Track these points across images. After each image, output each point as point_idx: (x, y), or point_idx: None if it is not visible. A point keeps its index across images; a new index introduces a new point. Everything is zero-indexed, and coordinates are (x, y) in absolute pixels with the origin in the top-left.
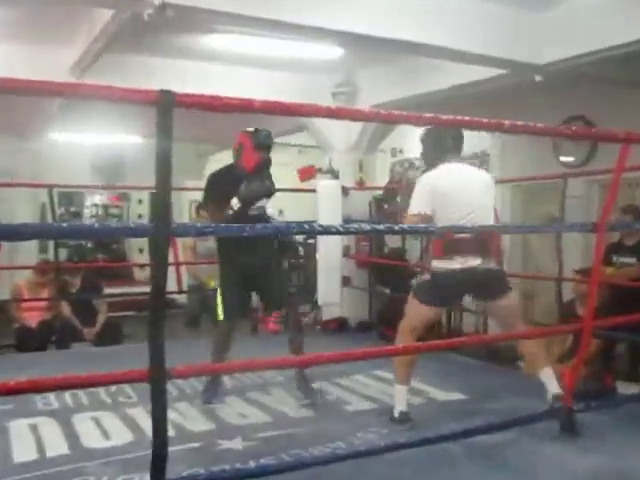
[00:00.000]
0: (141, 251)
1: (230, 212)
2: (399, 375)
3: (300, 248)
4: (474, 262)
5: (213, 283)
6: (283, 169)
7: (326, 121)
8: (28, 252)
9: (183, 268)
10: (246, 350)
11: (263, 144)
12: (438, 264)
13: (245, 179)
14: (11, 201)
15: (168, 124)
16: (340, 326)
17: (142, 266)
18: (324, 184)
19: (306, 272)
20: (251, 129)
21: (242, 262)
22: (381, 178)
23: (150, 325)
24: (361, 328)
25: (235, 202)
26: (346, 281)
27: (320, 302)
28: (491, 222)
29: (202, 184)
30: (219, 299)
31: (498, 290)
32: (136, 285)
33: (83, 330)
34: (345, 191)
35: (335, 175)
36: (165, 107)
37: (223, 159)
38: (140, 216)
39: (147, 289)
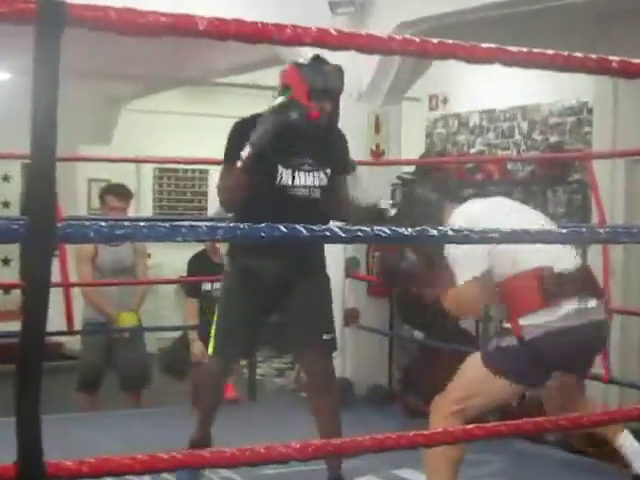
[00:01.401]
0: (5, 262)
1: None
2: None
3: None
4: (591, 306)
5: (128, 319)
6: None
7: (320, 52)
8: None
9: (76, 294)
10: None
11: (321, 87)
12: (534, 321)
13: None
14: None
15: (53, 51)
16: (340, 393)
17: (6, 288)
18: None
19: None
20: (304, 60)
21: (262, 270)
22: (412, 145)
23: (18, 388)
24: (375, 397)
25: (245, 152)
26: (350, 317)
27: None
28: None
29: (111, 151)
30: (214, 325)
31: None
32: None
33: None
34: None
35: None
36: (49, 24)
37: (150, 109)
38: (6, 204)
39: (15, 326)
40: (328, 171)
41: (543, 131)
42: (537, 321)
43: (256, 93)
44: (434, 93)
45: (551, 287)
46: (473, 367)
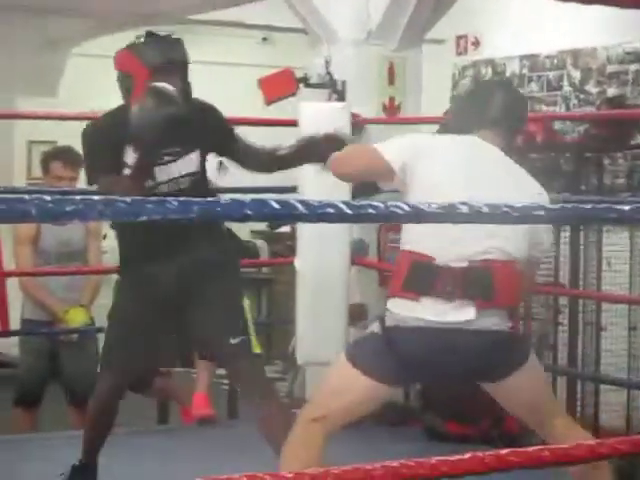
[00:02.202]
0: None
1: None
2: None
3: (261, 248)
4: (460, 315)
5: (78, 317)
6: (232, 76)
7: None
8: None
9: (14, 285)
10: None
11: (163, 63)
12: (395, 307)
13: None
14: None
15: None
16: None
17: None
18: (313, 110)
19: (272, 297)
20: (136, 40)
21: (152, 275)
22: (434, 99)
23: None
24: (387, 416)
25: (130, 154)
26: (358, 314)
27: (300, 359)
28: (515, 257)
29: (56, 105)
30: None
31: (508, 363)
32: None
33: None
34: (359, 125)
35: (337, 91)
36: None
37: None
38: None
39: None
40: (196, 153)
41: (599, 82)
42: (397, 309)
43: (240, 34)
44: (462, 34)
45: (417, 278)
46: (337, 364)
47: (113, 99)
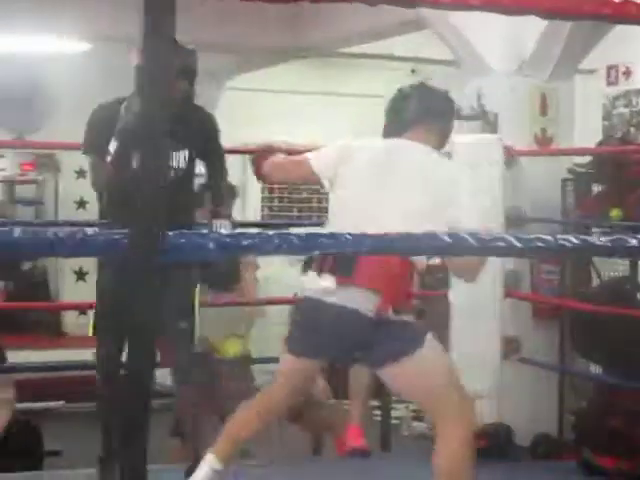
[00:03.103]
0: (80, 276)
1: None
2: None
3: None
4: (321, 284)
5: (233, 347)
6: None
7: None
8: None
9: None
10: None
11: (179, 67)
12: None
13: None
14: None
15: (167, 20)
16: (493, 444)
17: (82, 309)
18: (467, 142)
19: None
20: None
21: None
22: (586, 130)
23: (122, 436)
24: (541, 449)
25: (112, 146)
26: (511, 347)
27: None
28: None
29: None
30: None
31: (381, 348)
32: (71, 346)
33: None
34: (511, 157)
35: (489, 123)
36: None
37: (256, 86)
38: (81, 204)
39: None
40: (186, 153)
41: None
42: (309, 284)
43: (389, 66)
44: (613, 63)
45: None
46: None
47: (264, 131)
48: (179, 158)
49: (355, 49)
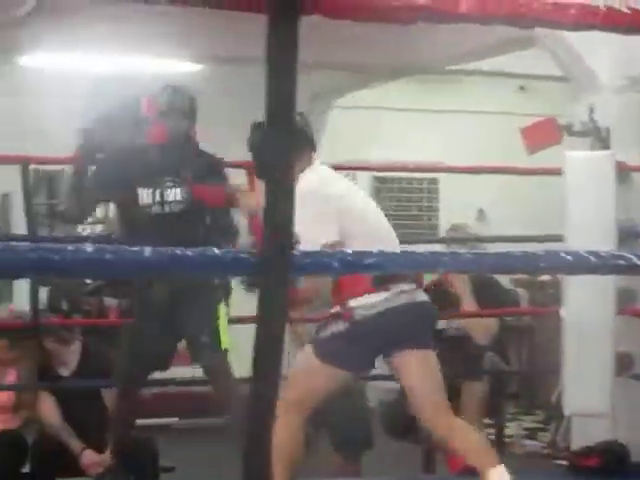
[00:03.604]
0: None
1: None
2: None
3: (522, 296)
4: (413, 291)
5: None
6: (488, 125)
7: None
8: None
9: None
10: None
11: (169, 108)
12: (366, 302)
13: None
14: None
15: (290, 40)
16: (607, 462)
17: None
18: (579, 159)
19: (533, 346)
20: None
21: (154, 297)
22: None
23: (246, 450)
24: None
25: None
26: (624, 364)
27: (567, 410)
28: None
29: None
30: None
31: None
32: (182, 362)
33: (83, 452)
34: (624, 173)
35: (601, 139)
36: (286, 9)
37: (364, 104)
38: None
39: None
40: (187, 190)
41: None
42: (368, 302)
43: (498, 82)
44: None
45: (377, 280)
46: (303, 359)
47: (376, 151)
48: (176, 192)
49: (464, 66)
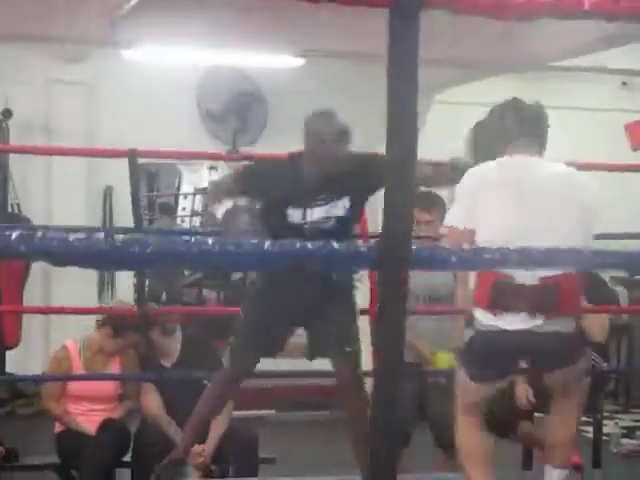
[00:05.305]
0: None
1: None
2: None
3: (621, 294)
4: (531, 322)
5: (445, 360)
6: (591, 121)
7: None
8: (71, 283)
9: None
10: None
11: (338, 133)
12: (481, 316)
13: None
14: (36, 180)
15: (411, 36)
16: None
17: None
18: None
19: (632, 344)
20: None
21: (291, 292)
22: None
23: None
24: None
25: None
26: None
27: None
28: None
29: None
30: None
31: (561, 357)
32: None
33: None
34: None
35: None
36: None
37: (466, 100)
38: None
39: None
40: (345, 200)
41: None
42: (483, 317)
43: (600, 79)
44: None
45: (501, 297)
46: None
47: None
48: (338, 207)
49: (566, 62)
